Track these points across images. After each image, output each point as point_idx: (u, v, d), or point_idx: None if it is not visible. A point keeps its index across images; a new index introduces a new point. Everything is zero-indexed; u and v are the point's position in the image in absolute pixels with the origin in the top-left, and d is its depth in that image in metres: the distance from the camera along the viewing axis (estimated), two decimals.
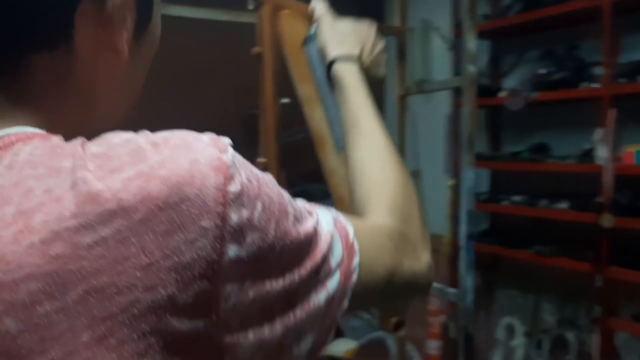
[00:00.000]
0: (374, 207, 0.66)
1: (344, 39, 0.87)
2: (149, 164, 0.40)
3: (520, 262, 3.05)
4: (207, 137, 0.44)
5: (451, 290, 1.61)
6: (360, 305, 0.58)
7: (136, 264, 0.38)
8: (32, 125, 0.46)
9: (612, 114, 2.54)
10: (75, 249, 0.37)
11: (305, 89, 1.29)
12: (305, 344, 0.48)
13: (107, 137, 0.43)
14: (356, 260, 0.53)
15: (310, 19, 1.26)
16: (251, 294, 0.42)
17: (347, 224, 0.55)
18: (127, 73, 0.53)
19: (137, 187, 0.39)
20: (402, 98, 1.75)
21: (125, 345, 0.38)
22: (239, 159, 0.44)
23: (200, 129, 0.47)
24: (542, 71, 2.89)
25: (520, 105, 2.87)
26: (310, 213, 0.51)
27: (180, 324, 0.39)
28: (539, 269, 3.10)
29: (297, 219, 0.48)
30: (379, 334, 3.47)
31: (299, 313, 0.47)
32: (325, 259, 0.50)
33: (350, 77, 0.82)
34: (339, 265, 0.51)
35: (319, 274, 0.49)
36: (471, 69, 1.50)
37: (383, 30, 1.67)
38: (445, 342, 3.41)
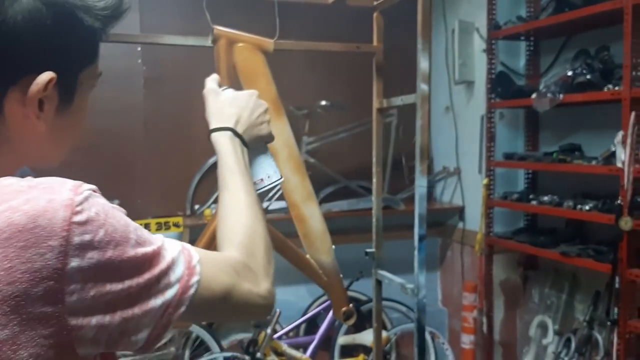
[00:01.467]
0: (227, 244, 0.87)
1: (222, 111, 1.03)
2: (19, 201, 0.61)
3: (554, 261, 3.09)
4: (71, 184, 0.65)
5: (409, 285, 1.75)
6: (203, 314, 0.84)
7: (1, 267, 0.59)
8: None
9: (631, 117, 2.54)
10: None
11: None
12: (142, 335, 0.68)
13: (2, 180, 0.65)
14: (195, 278, 0.72)
15: (262, 50, 1.48)
16: (92, 292, 0.63)
17: (194, 252, 0.75)
18: (52, 135, 0.74)
19: (6, 216, 0.60)
20: (379, 111, 1.91)
21: None
22: (96, 200, 0.66)
23: None
24: (570, 73, 2.90)
25: (547, 106, 2.91)
26: (153, 241, 0.70)
27: (33, 308, 0.59)
28: (572, 269, 3.12)
29: (139, 243, 0.67)
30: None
31: (137, 310, 0.67)
32: (165, 274, 0.69)
33: (222, 145, 0.99)
34: (178, 280, 0.71)
35: (159, 284, 0.69)
36: (423, 87, 1.64)
37: (364, 49, 1.85)
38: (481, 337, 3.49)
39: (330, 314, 3.52)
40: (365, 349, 3.41)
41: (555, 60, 3.27)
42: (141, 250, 0.68)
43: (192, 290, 0.72)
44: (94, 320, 0.64)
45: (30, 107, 0.69)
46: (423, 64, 1.65)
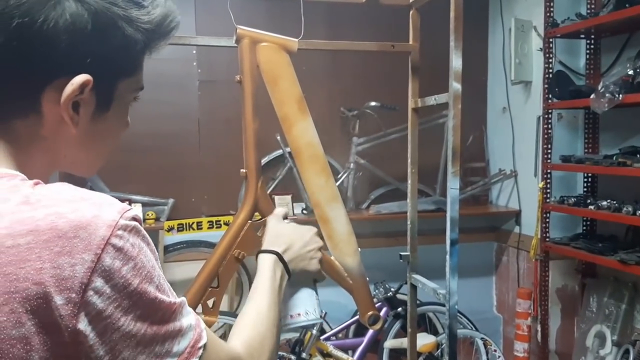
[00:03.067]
0: (236, 337, 0.88)
1: (276, 238, 1.12)
2: (67, 209, 0.63)
3: (614, 269, 2.95)
4: (120, 207, 0.66)
5: (441, 291, 1.71)
6: None
7: (33, 266, 0.60)
8: (14, 168, 0.70)
9: None
10: (0, 246, 0.60)
11: (283, 110, 1.50)
12: None
13: (57, 185, 0.67)
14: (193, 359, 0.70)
15: (286, 50, 1.48)
16: (105, 320, 0.63)
17: (204, 334, 0.73)
18: (85, 140, 0.76)
19: (51, 220, 0.62)
20: (415, 110, 1.88)
21: (13, 313, 0.59)
22: (135, 233, 0.66)
23: None
24: (631, 72, 2.76)
25: (605, 107, 2.78)
26: (173, 296, 0.70)
27: (51, 314, 0.60)
28: (632, 277, 2.97)
29: (160, 290, 0.67)
30: (467, 332, 3.52)
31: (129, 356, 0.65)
32: (171, 339, 0.68)
33: (263, 264, 1.07)
34: (178, 354, 0.69)
35: (162, 346, 0.67)
36: (456, 86, 1.59)
37: (399, 48, 1.82)
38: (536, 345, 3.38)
39: None
40: None
41: (616, 59, 3.12)
42: (160, 297, 0.67)
43: None
44: (101, 350, 0.63)
45: (65, 107, 0.70)
46: (456, 62, 1.61)
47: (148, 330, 0.66)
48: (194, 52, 3.54)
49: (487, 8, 3.88)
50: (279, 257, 1.08)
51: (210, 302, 1.46)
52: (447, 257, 1.66)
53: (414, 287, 1.95)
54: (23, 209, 0.62)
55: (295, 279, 1.11)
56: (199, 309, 1.51)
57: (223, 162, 3.51)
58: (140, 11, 0.74)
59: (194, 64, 3.57)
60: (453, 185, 1.63)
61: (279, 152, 3.51)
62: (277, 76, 1.47)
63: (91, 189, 2.54)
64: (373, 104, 3.42)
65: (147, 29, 0.75)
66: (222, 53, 3.47)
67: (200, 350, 0.71)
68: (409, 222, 1.92)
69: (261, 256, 1.09)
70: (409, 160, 1.90)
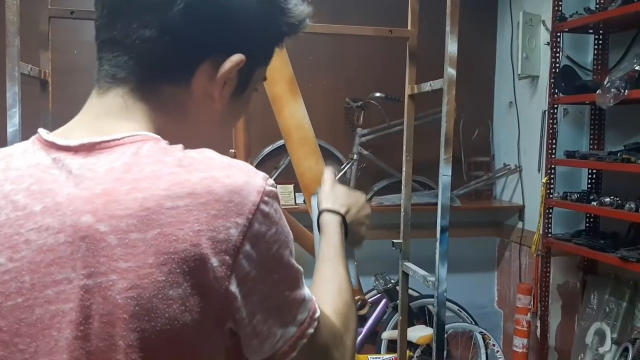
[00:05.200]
0: (328, 307, 0.83)
1: (337, 199, 1.10)
2: (221, 174, 0.63)
3: (615, 267, 2.93)
4: (263, 175, 0.67)
5: (430, 278, 1.71)
6: None
7: (191, 228, 0.60)
8: (152, 131, 0.69)
9: None
10: (159, 207, 0.60)
11: (274, 90, 1.50)
12: (261, 351, 0.68)
13: (206, 151, 0.67)
14: (310, 330, 0.71)
15: None
16: (251, 281, 0.64)
17: (317, 306, 0.74)
18: (220, 116, 0.76)
19: (207, 184, 0.62)
20: (411, 97, 1.87)
21: (171, 274, 0.59)
22: (277, 198, 0.67)
23: None
24: (637, 67, 2.73)
25: (610, 103, 2.75)
26: (300, 269, 0.70)
27: (206, 276, 0.60)
28: (633, 275, 2.95)
29: (292, 255, 0.69)
30: (466, 326, 3.51)
31: (268, 324, 0.66)
32: (297, 305, 0.69)
33: (332, 225, 1.05)
34: (300, 323, 0.70)
35: (290, 312, 0.68)
36: (451, 71, 1.58)
37: (397, 34, 1.82)
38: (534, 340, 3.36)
39: (378, 308, 3.49)
40: (411, 345, 3.35)
41: (625, 55, 3.08)
42: (293, 262, 0.69)
43: (304, 340, 0.70)
44: (244, 312, 0.64)
45: (218, 84, 0.71)
46: (451, 47, 1.60)
47: (280, 295, 0.67)
48: None
49: (497, 1, 3.85)
50: (344, 220, 1.07)
51: None
52: (437, 244, 1.65)
53: (405, 275, 1.95)
54: (179, 171, 0.62)
55: (347, 243, 1.08)
56: None
57: (225, 148, 3.52)
58: (291, 5, 0.76)
59: None
60: (445, 172, 1.62)
61: (282, 142, 3.51)
62: None
63: None
64: (377, 95, 3.40)
65: (292, 23, 0.76)
66: None
67: (316, 322, 0.72)
68: (402, 211, 1.92)
69: (327, 215, 1.06)
70: (404, 148, 1.89)
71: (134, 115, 0.69)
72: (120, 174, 0.62)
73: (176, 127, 0.72)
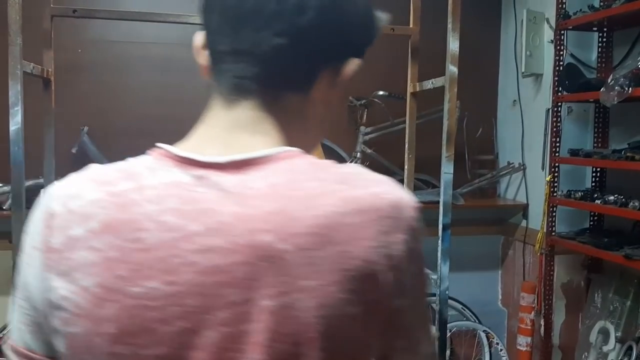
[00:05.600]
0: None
1: None
2: (379, 190, 0.63)
3: (620, 265, 2.92)
4: (405, 191, 0.67)
5: (433, 276, 1.70)
6: None
7: (363, 244, 0.60)
8: (284, 144, 0.68)
9: None
10: (334, 224, 0.59)
11: None
12: None
13: (352, 165, 0.67)
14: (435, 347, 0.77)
15: None
16: (410, 290, 0.65)
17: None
18: (326, 121, 0.76)
19: (372, 200, 0.62)
20: (413, 95, 1.87)
21: (349, 291, 0.59)
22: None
23: None
24: None
25: (614, 100, 2.74)
26: None
27: (376, 290, 0.61)
28: (638, 273, 2.94)
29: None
30: (470, 324, 3.51)
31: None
32: (428, 307, 0.72)
33: None
34: (433, 339, 0.76)
35: (428, 315, 0.71)
36: (452, 69, 1.58)
37: (399, 31, 1.81)
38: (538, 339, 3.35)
39: None
40: None
41: (629, 52, 3.07)
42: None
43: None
44: (404, 325, 0.66)
45: (339, 89, 0.71)
46: (453, 45, 1.60)
47: (426, 310, 0.70)
48: None
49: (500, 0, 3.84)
50: None
51: None
52: (439, 242, 1.66)
53: None
54: (341, 188, 0.62)
55: None
56: None
57: None
58: (377, 12, 0.76)
59: None
60: (447, 170, 1.62)
61: None
62: None
63: None
64: (381, 93, 3.40)
65: (379, 29, 0.77)
66: None
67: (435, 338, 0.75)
68: None
69: None
70: (407, 146, 1.89)
71: (266, 129, 0.67)
72: (287, 191, 0.61)
73: (299, 136, 0.71)
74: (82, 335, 0.60)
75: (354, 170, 0.65)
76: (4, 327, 3.03)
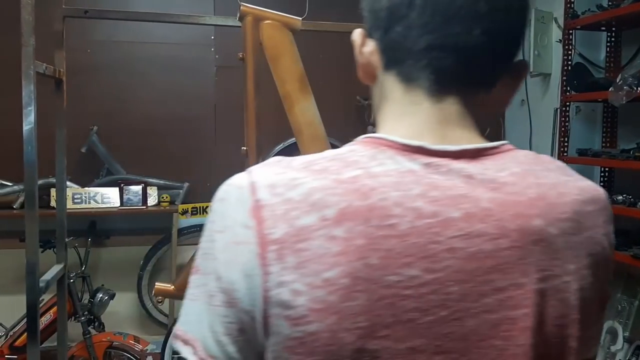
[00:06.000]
0: None
1: None
2: (591, 182, 0.66)
3: (627, 265, 2.91)
4: None
5: None
6: None
7: (601, 231, 0.63)
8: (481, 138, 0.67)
9: None
10: (582, 211, 0.62)
11: (284, 88, 1.51)
12: None
13: (562, 163, 0.68)
14: None
15: (289, 28, 1.49)
16: None
17: None
18: None
19: (594, 191, 0.64)
20: None
21: (594, 275, 0.62)
22: None
23: None
24: None
25: (622, 100, 2.73)
26: None
27: (607, 275, 0.65)
28: None
29: None
30: None
31: None
32: None
33: None
34: None
35: None
36: None
37: None
38: None
39: None
40: None
41: (638, 52, 3.06)
42: None
43: None
44: None
45: (512, 92, 0.70)
46: None
47: None
48: (212, 37, 3.57)
49: None
50: None
51: None
52: None
53: None
54: (570, 179, 0.64)
55: None
56: None
57: (238, 148, 3.53)
58: None
59: (212, 49, 3.60)
60: None
61: (292, 140, 3.53)
62: (279, 54, 1.48)
63: (108, 171, 2.57)
64: None
65: None
66: (239, 39, 3.50)
67: None
68: None
69: None
70: None
71: (469, 124, 0.66)
72: (534, 180, 0.62)
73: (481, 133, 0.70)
74: (323, 333, 0.55)
75: (562, 164, 0.68)
76: (15, 325, 3.06)
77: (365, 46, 0.70)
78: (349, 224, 0.55)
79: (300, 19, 1.50)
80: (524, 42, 0.69)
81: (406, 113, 0.66)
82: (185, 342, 0.60)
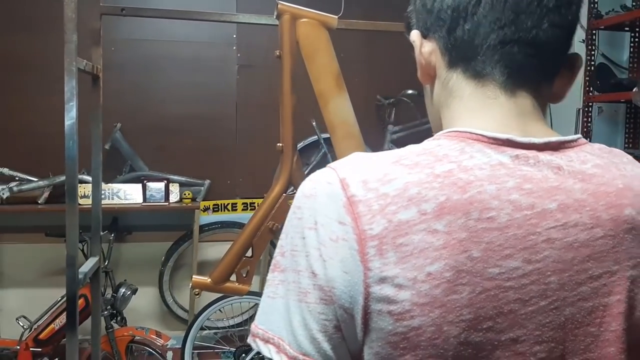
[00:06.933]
0: None
1: None
2: None
3: None
4: None
5: None
6: None
7: None
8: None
9: None
10: None
11: (319, 86, 1.53)
12: None
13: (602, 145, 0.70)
14: None
15: (326, 26, 1.50)
16: None
17: None
18: None
19: None
20: None
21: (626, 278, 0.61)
22: None
23: None
24: None
25: None
26: None
27: None
28: None
29: None
30: None
31: None
32: None
33: None
34: None
35: None
36: None
37: None
38: None
39: None
40: None
41: None
42: None
43: None
44: None
45: (569, 84, 0.72)
46: None
47: None
48: (234, 36, 3.59)
49: None
50: None
51: (244, 272, 1.49)
52: None
53: None
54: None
55: None
56: (233, 277, 1.55)
57: (259, 146, 3.56)
58: None
59: (234, 48, 3.62)
60: None
61: (314, 137, 3.54)
62: (315, 51, 1.49)
63: (131, 168, 2.60)
64: (410, 92, 3.42)
65: None
66: (261, 38, 3.52)
67: None
68: None
69: None
70: None
71: (541, 116, 0.68)
72: (617, 171, 0.64)
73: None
74: (428, 327, 0.55)
75: (631, 157, 0.69)
76: (38, 320, 3.09)
77: (424, 47, 0.71)
78: (450, 218, 0.56)
79: (336, 17, 1.52)
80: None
81: (482, 108, 0.66)
82: (267, 341, 0.60)
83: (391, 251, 0.55)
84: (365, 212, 0.57)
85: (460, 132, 0.64)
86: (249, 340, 0.62)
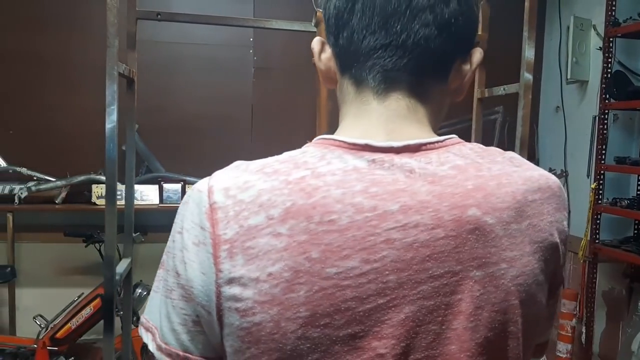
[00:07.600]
0: None
1: None
2: (543, 172, 0.68)
3: None
4: None
5: None
6: None
7: (547, 219, 0.66)
8: (433, 132, 0.69)
9: None
10: (525, 200, 0.64)
11: None
12: None
13: (509, 151, 0.71)
14: None
15: None
16: (563, 263, 0.73)
17: None
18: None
19: (544, 180, 0.67)
20: (480, 101, 1.90)
21: (540, 261, 0.65)
22: None
23: None
24: None
25: None
26: None
27: (557, 260, 0.68)
28: None
29: None
30: None
31: None
32: None
33: None
34: None
35: None
36: (527, 76, 1.61)
37: None
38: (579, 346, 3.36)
39: None
40: None
41: None
42: None
43: None
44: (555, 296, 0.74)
45: (468, 79, 0.72)
46: (528, 52, 1.63)
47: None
48: (251, 39, 3.61)
49: (545, 6, 3.85)
50: None
51: None
52: None
53: None
54: (517, 169, 0.67)
55: None
56: None
57: (274, 148, 3.55)
58: None
59: (250, 51, 3.63)
60: None
61: None
62: None
63: (148, 169, 2.62)
64: None
65: None
66: (277, 41, 3.54)
67: None
68: None
69: None
70: None
71: (419, 117, 0.68)
72: (475, 172, 0.64)
73: (436, 125, 0.72)
74: (267, 323, 0.59)
75: (514, 155, 0.70)
76: (55, 319, 3.11)
77: (324, 52, 0.73)
78: (293, 222, 0.59)
79: None
80: (476, 30, 0.72)
81: (358, 114, 0.69)
82: (147, 329, 0.67)
83: (240, 254, 0.60)
84: (222, 218, 0.61)
85: (325, 139, 0.67)
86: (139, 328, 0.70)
